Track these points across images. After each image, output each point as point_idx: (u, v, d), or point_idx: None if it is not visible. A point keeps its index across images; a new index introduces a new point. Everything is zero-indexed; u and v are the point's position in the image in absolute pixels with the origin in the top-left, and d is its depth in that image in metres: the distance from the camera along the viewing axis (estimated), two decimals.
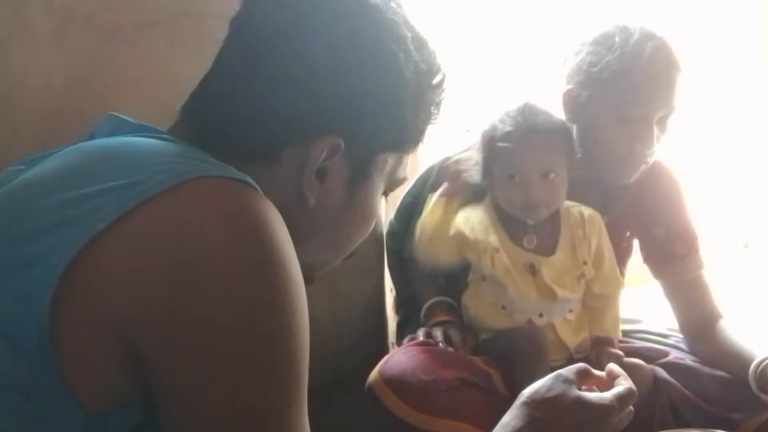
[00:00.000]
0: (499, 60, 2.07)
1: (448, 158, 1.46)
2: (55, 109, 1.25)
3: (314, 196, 0.76)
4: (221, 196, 0.63)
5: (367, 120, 0.76)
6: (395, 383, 1.21)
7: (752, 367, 1.27)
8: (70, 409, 0.60)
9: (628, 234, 1.48)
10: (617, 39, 1.30)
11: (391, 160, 0.81)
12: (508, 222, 1.36)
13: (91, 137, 0.79)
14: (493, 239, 1.33)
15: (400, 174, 0.84)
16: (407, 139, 0.81)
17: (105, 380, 0.62)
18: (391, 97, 0.77)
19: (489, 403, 1.19)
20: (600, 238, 1.34)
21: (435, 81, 0.81)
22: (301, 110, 0.73)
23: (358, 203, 0.81)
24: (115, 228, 0.60)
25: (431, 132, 0.85)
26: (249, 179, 0.67)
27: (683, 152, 1.53)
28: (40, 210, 0.64)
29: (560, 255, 1.33)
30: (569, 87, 1.36)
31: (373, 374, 1.25)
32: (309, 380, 0.66)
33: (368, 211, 0.83)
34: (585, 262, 1.33)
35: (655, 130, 1.32)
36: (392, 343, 1.58)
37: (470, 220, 1.37)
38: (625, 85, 1.29)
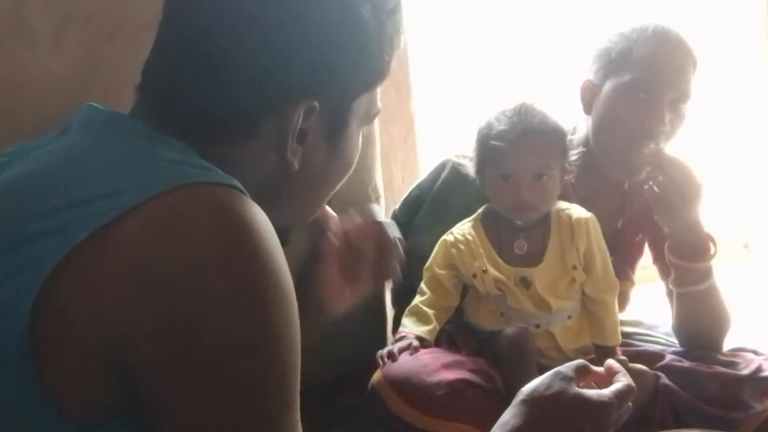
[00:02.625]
0: (503, 60, 2.07)
1: (460, 155, 1.45)
2: (55, 109, 1.24)
3: (297, 161, 0.75)
4: (206, 205, 0.61)
5: (337, 75, 0.74)
6: (399, 385, 1.21)
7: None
8: (56, 423, 0.59)
9: (640, 236, 1.48)
10: (627, 26, 1.37)
11: (364, 100, 0.80)
12: (497, 233, 1.35)
13: (67, 129, 0.77)
14: (480, 261, 1.33)
15: (374, 109, 0.83)
16: (378, 76, 0.79)
17: (91, 392, 0.60)
18: (357, 45, 0.75)
19: (493, 405, 1.18)
20: (589, 240, 1.32)
21: (391, 7, 0.78)
22: (271, 82, 0.72)
23: (340, 153, 0.80)
24: (97, 239, 0.58)
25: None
26: (235, 182, 0.65)
27: (682, 152, 1.53)
28: (19, 220, 0.62)
29: (549, 262, 1.32)
30: (586, 79, 1.41)
31: (377, 375, 1.25)
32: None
33: (351, 157, 0.82)
34: (575, 267, 1.32)
35: (667, 113, 1.33)
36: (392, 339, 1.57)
37: (458, 240, 1.36)
38: (632, 60, 1.35)
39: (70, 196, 0.62)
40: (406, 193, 1.58)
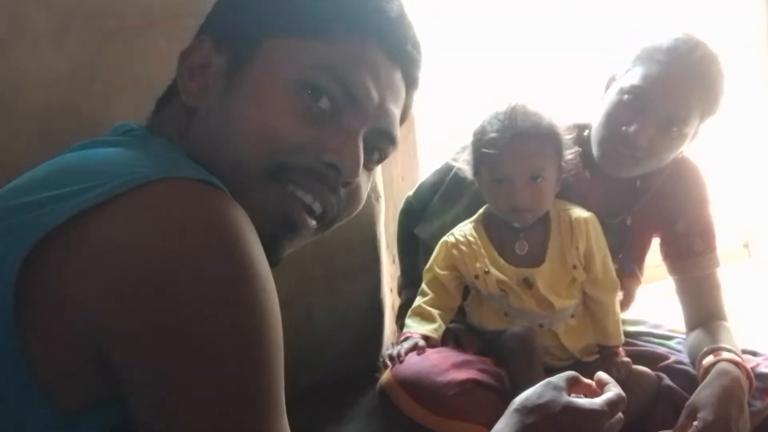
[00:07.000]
0: (501, 58, 2.07)
1: (457, 158, 1.44)
2: (55, 109, 1.25)
3: (191, 95, 0.78)
4: (183, 197, 0.62)
5: (236, 14, 0.79)
6: (409, 385, 1.21)
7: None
8: (44, 409, 0.59)
9: (649, 231, 1.48)
10: (668, 32, 1.34)
11: (286, 45, 0.76)
12: (498, 235, 1.36)
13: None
14: (482, 262, 1.33)
15: (322, 61, 0.76)
16: (301, 22, 0.76)
17: (78, 380, 0.60)
18: None
19: (502, 405, 1.17)
20: (588, 240, 1.32)
21: None
22: None
23: (243, 92, 0.76)
24: (72, 229, 0.59)
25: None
26: (216, 181, 0.65)
27: (682, 152, 1.53)
28: (3, 210, 0.63)
29: (550, 262, 1.32)
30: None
31: (386, 376, 1.25)
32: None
33: (260, 98, 0.75)
34: (575, 266, 1.32)
35: (652, 130, 1.31)
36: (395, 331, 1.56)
37: (459, 241, 1.36)
38: (646, 66, 1.32)
39: (50, 192, 0.63)
40: (423, 179, 1.57)
